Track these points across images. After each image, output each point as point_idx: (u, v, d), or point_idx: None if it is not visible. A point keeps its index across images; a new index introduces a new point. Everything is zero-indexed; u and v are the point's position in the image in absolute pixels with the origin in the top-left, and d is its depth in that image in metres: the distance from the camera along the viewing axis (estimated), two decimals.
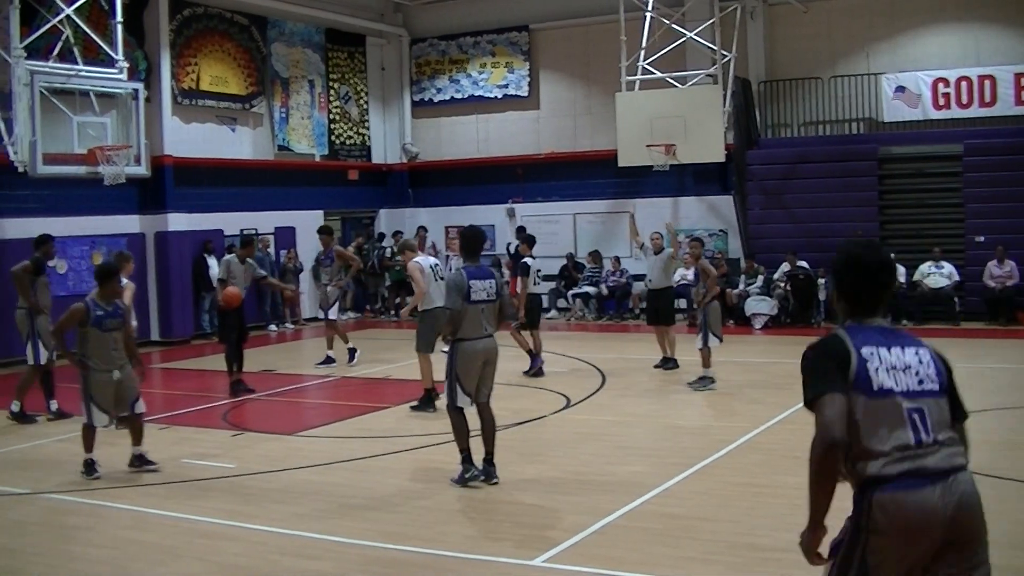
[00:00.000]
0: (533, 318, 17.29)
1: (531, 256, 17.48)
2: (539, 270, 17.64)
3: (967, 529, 4.13)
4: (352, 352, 18.72)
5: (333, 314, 18.79)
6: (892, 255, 4.60)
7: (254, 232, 24.57)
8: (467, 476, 10.17)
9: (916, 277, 22.74)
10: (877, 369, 4.21)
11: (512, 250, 24.46)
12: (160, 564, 8.21)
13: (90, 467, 10.99)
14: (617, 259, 26.09)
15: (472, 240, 10.65)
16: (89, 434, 11.00)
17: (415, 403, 14.30)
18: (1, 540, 8.99)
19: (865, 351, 4.24)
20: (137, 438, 11.18)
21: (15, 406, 14.23)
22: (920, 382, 4.24)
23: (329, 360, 18.64)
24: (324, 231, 19.24)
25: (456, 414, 10.23)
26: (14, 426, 13.95)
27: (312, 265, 23.44)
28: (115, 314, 11.03)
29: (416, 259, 14.71)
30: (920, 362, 4.29)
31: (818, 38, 26.10)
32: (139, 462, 11.14)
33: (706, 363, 15.44)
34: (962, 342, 20.22)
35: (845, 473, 4.23)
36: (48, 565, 8.28)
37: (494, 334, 10.40)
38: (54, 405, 14.42)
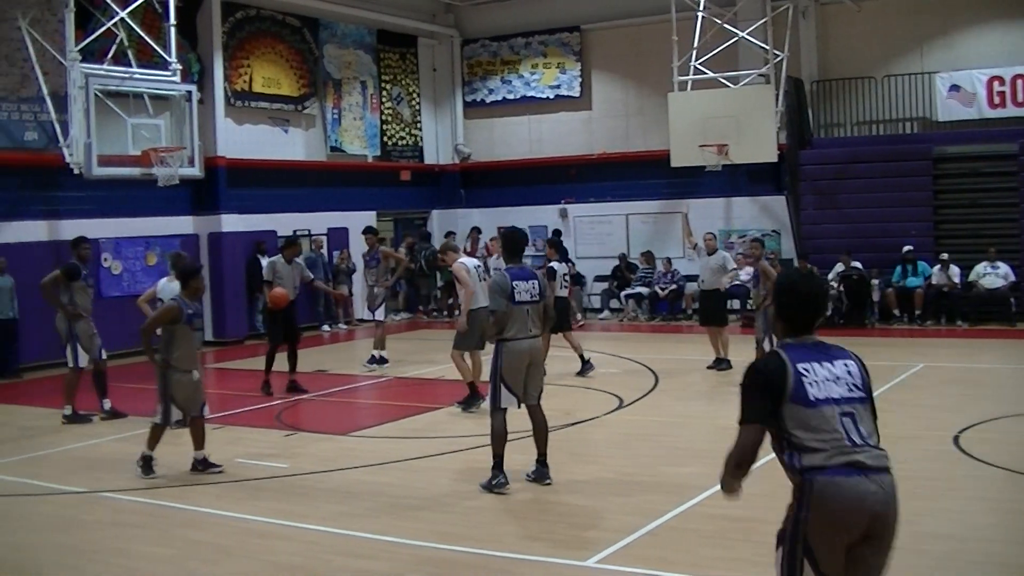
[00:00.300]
0: (562, 320, 17.17)
1: (557, 260, 17.42)
2: (565, 274, 17.60)
3: (888, 523, 4.63)
4: (373, 358, 18.70)
5: (380, 315, 18.76)
6: (830, 284, 5.20)
7: (306, 232, 24.73)
8: (494, 483, 10.08)
9: (971, 277, 22.47)
10: (812, 382, 4.71)
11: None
12: (214, 563, 8.27)
13: (148, 464, 11.02)
14: (669, 260, 25.98)
15: (513, 241, 10.62)
16: (158, 433, 11.03)
17: (464, 403, 14.29)
18: (58, 538, 9.09)
19: (801, 366, 4.75)
20: (200, 442, 11.18)
21: (67, 410, 14.34)
22: (850, 390, 4.76)
23: (383, 360, 18.69)
24: (369, 231, 19.10)
25: (498, 418, 10.13)
26: (69, 426, 14.09)
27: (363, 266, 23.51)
28: (200, 313, 11.15)
29: (460, 260, 14.73)
30: (849, 373, 4.81)
31: (871, 37, 25.84)
32: (203, 466, 11.15)
33: None
34: (1018, 343, 19.98)
35: (784, 468, 4.79)
36: (104, 563, 8.37)
37: (539, 335, 10.39)
38: (107, 404, 14.55)
